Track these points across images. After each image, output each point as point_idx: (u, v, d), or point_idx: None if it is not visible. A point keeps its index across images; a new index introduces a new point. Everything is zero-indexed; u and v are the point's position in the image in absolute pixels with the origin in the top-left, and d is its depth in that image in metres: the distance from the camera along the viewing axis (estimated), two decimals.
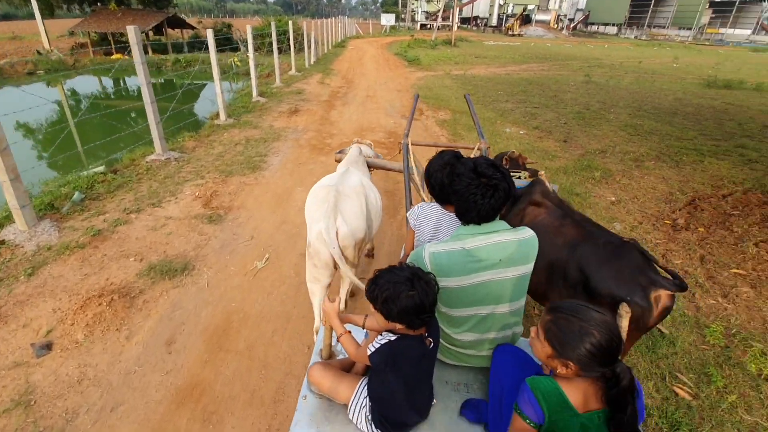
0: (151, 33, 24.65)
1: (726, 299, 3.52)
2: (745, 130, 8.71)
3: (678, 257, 4.11)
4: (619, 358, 1.28)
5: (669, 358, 2.89)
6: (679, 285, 1.92)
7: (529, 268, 1.76)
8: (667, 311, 1.95)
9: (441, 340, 1.81)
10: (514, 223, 2.22)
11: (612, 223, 4.72)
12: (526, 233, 1.75)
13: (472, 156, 2.35)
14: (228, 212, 4.80)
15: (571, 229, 2.32)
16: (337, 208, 2.40)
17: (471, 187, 1.67)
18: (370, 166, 3.46)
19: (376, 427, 1.61)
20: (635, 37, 54.27)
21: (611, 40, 49.02)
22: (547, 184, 2.71)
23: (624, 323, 1.90)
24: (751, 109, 10.89)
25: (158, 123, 6.18)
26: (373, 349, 1.53)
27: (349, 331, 1.71)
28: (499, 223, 1.75)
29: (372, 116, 9.48)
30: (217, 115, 8.79)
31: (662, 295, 1.92)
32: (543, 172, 3.02)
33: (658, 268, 2.01)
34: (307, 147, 7.23)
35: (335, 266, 2.44)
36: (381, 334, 1.55)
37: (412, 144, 3.47)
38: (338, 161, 3.51)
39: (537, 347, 1.39)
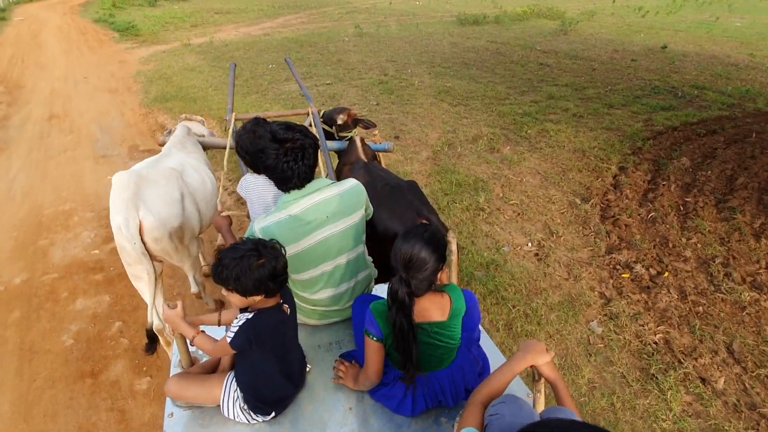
0: None
1: None
2: (546, 75, 8.62)
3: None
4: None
5: None
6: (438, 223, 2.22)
7: (358, 215, 1.82)
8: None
9: (303, 304, 1.88)
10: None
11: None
12: (347, 185, 1.81)
13: (305, 123, 3.04)
14: None
15: (361, 177, 2.41)
16: (138, 197, 2.13)
17: (279, 156, 1.63)
18: (204, 147, 3.08)
19: (255, 414, 1.56)
20: None
21: None
22: (358, 142, 2.90)
23: (453, 247, 1.96)
24: (512, 45, 11.26)
25: None
26: (232, 335, 1.48)
27: (202, 331, 1.59)
28: (319, 181, 1.77)
29: (66, 173, 5.18)
30: None
31: (423, 220, 2.13)
32: (377, 131, 3.37)
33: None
34: None
35: (154, 258, 2.24)
36: (236, 319, 1.50)
37: (237, 119, 3.20)
38: (162, 145, 3.03)
39: None
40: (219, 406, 1.58)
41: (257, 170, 1.96)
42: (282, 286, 1.50)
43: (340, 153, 3.15)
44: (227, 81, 8.63)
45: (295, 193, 1.70)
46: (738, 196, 4.32)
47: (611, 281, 3.32)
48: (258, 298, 1.45)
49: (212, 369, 1.73)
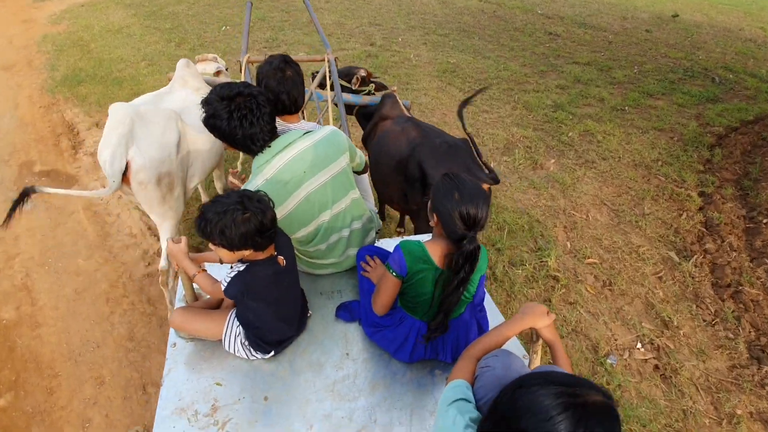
0: None
1: None
2: (560, 49, 7.19)
3: None
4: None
5: None
6: (493, 179, 2.14)
7: (340, 164, 1.70)
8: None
9: (303, 256, 1.82)
10: (369, 140, 2.24)
11: None
12: (321, 133, 1.69)
13: (320, 72, 2.95)
14: None
15: (412, 131, 2.34)
16: (132, 135, 1.97)
17: (231, 121, 1.52)
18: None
19: (255, 351, 1.56)
20: None
21: None
22: (398, 97, 2.81)
23: None
24: (510, 7, 9.68)
25: None
26: (225, 284, 1.46)
27: (204, 270, 1.57)
28: (290, 134, 1.64)
29: None
30: None
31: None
32: (395, 88, 3.10)
33: (481, 163, 2.19)
34: None
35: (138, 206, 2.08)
36: (231, 267, 1.48)
37: (250, 62, 2.95)
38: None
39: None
40: (221, 340, 1.58)
41: (229, 144, 1.66)
42: (271, 240, 1.45)
43: (367, 109, 3.07)
44: (165, 50, 6.54)
45: (265, 153, 1.61)
46: None
47: None
48: (247, 252, 1.42)
49: (217, 305, 1.71)
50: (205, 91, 2.52)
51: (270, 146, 1.61)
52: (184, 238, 1.56)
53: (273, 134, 1.61)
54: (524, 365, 1.27)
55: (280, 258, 1.51)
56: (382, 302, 1.54)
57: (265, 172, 1.60)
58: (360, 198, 1.85)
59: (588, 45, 7.76)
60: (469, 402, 1.09)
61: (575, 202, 3.66)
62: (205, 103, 1.57)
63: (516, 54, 7.05)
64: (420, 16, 8.75)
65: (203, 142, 2.30)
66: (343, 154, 1.71)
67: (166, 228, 2.22)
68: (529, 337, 1.45)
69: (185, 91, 2.45)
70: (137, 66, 5.75)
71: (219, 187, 3.00)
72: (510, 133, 4.63)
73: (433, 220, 1.44)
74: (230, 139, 1.58)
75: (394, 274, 1.46)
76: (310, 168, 1.63)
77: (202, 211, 1.36)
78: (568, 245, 3.20)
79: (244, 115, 1.51)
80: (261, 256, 1.45)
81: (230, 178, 1.90)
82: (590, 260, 3.06)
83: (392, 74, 5.92)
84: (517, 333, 1.33)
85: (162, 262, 2.29)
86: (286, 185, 1.61)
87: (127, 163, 1.96)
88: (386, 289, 1.51)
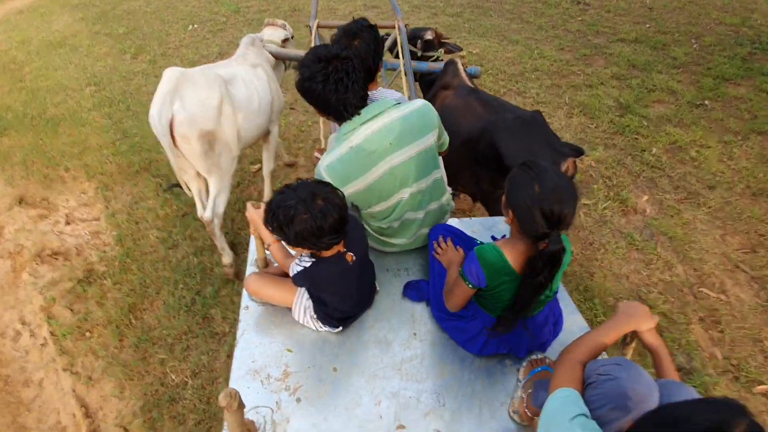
0: None
1: None
2: (596, 22, 5.92)
3: None
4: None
5: None
6: (577, 150, 1.96)
7: (427, 141, 1.62)
8: (572, 178, 1.94)
9: (373, 233, 1.77)
10: None
11: None
12: (412, 106, 1.61)
13: (388, 41, 2.82)
14: None
15: (477, 106, 2.23)
16: (176, 92, 2.11)
17: (327, 84, 1.46)
18: (277, 56, 2.87)
19: (323, 324, 1.55)
20: None
21: None
22: (460, 65, 2.57)
23: None
24: None
25: None
26: (293, 272, 1.46)
27: (279, 240, 1.51)
28: (381, 103, 1.58)
29: None
30: None
31: (569, 164, 1.93)
32: (464, 53, 2.97)
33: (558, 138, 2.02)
34: None
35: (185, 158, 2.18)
36: (301, 255, 1.47)
37: (321, 26, 2.87)
38: None
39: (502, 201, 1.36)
40: (290, 308, 1.58)
41: (321, 110, 1.61)
42: (330, 246, 1.39)
43: (430, 76, 2.87)
44: (118, 66, 5.06)
45: (353, 121, 1.55)
46: None
47: None
48: (304, 250, 1.40)
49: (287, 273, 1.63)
50: (263, 68, 2.61)
51: (360, 113, 1.55)
52: (264, 205, 1.47)
53: (364, 101, 1.56)
54: (651, 380, 1.05)
55: (349, 255, 1.47)
56: (455, 303, 1.47)
57: (352, 139, 1.54)
58: (442, 178, 1.78)
59: (626, 14, 6.49)
60: (590, 418, 0.98)
61: (700, 269, 2.61)
62: (301, 65, 1.51)
63: (548, 34, 5.80)
64: None
65: (246, 112, 2.38)
66: (432, 131, 1.64)
67: (213, 182, 2.32)
68: (622, 340, 1.27)
69: (241, 67, 2.52)
70: (80, 94, 4.45)
71: (265, 170, 2.90)
72: None
73: (509, 217, 1.29)
74: (323, 104, 1.52)
75: (470, 285, 1.36)
76: (397, 140, 1.57)
77: (272, 197, 1.35)
78: (719, 356, 2.17)
79: (340, 78, 1.46)
80: (328, 253, 1.42)
81: (316, 155, 1.96)
82: (762, 388, 2.04)
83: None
84: (619, 336, 1.20)
85: (207, 213, 2.33)
86: (371, 155, 1.55)
87: (172, 118, 2.07)
88: (460, 294, 1.42)
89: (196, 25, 6.02)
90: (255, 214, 1.56)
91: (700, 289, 2.47)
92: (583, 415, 0.98)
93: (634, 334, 1.22)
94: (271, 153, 2.84)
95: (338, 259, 1.43)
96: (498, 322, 1.36)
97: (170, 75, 2.14)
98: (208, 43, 5.55)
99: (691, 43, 5.54)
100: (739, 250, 2.73)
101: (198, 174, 2.27)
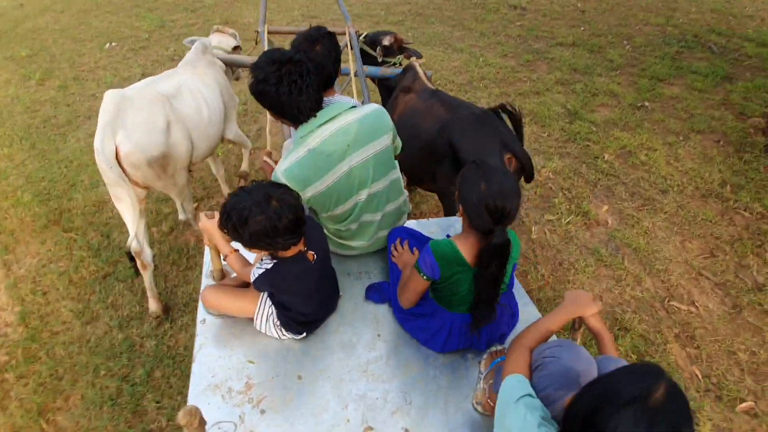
0: None
1: None
2: (536, 27, 5.98)
3: None
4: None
5: None
6: (521, 151, 2.01)
7: (382, 143, 1.65)
8: (515, 174, 2.00)
9: (333, 236, 1.77)
10: (390, 114, 1.88)
11: None
12: (367, 109, 1.64)
13: (342, 44, 2.52)
14: None
15: (439, 107, 2.24)
16: (117, 121, 1.97)
17: (280, 86, 1.46)
18: (227, 63, 2.82)
19: (286, 331, 1.53)
20: None
21: None
22: (419, 69, 2.59)
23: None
24: None
25: None
26: (254, 276, 1.44)
27: (236, 250, 1.56)
28: (335, 107, 1.59)
29: None
30: None
31: (509, 158, 1.97)
32: (423, 60, 2.90)
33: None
34: None
35: (136, 184, 2.11)
36: (261, 259, 1.46)
37: (271, 33, 2.90)
38: None
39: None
40: (251, 318, 1.55)
41: (275, 112, 1.59)
42: (287, 247, 1.39)
43: (390, 81, 2.91)
44: (21, 96, 4.36)
45: (309, 123, 1.56)
46: None
47: None
48: (262, 252, 1.40)
49: (246, 284, 1.63)
50: (212, 76, 2.52)
51: (316, 116, 1.55)
52: (218, 213, 1.42)
53: (319, 104, 1.55)
54: (590, 358, 1.16)
55: (311, 253, 1.48)
56: (408, 298, 1.50)
57: (309, 142, 1.55)
58: (399, 179, 1.79)
59: (561, 18, 6.66)
60: (535, 397, 1.06)
61: (667, 281, 2.58)
62: (255, 67, 1.50)
63: (490, 40, 5.80)
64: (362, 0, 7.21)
65: (195, 125, 2.28)
66: (387, 133, 1.66)
67: (173, 195, 2.32)
68: (570, 326, 1.40)
69: (187, 75, 2.42)
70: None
71: (219, 174, 2.92)
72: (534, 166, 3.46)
73: (460, 212, 1.37)
74: (277, 106, 1.51)
75: (424, 277, 1.40)
76: (355, 142, 1.57)
77: (226, 200, 1.35)
78: (699, 374, 2.12)
79: (294, 81, 1.45)
80: (288, 253, 1.42)
81: (264, 158, 1.94)
82: (743, 406, 2.00)
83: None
84: (565, 322, 1.29)
85: (180, 215, 2.49)
86: (329, 157, 1.55)
87: (116, 148, 1.96)
88: (414, 287, 1.45)
89: (114, 44, 5.45)
90: (209, 223, 1.53)
91: (671, 303, 2.44)
92: (529, 395, 1.05)
93: (581, 320, 1.32)
94: (242, 141, 2.87)
95: (300, 258, 1.44)
96: (475, 319, 1.40)
97: (109, 100, 1.98)
98: (130, 63, 5.03)
99: (623, 45, 5.74)
100: (700, 256, 2.75)
101: (136, 203, 2.11)
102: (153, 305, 2.28)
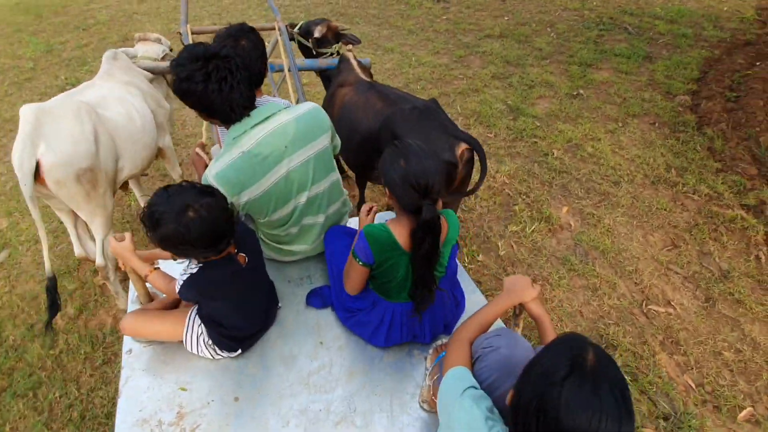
0: None
1: None
2: (461, 20, 5.84)
3: None
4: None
5: None
6: (470, 139, 1.94)
7: (323, 141, 1.58)
8: (469, 164, 1.97)
9: (272, 242, 1.71)
10: (329, 109, 2.01)
11: None
12: (303, 108, 1.56)
13: (270, 42, 2.63)
14: None
15: (377, 101, 2.17)
16: (38, 133, 1.78)
17: (209, 84, 1.34)
18: (154, 72, 2.59)
19: (220, 350, 1.44)
20: None
21: None
22: (353, 60, 2.52)
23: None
24: None
25: None
26: (179, 286, 1.34)
27: (156, 268, 1.46)
28: (269, 107, 1.50)
29: None
30: None
31: (463, 150, 1.92)
32: (350, 47, 2.71)
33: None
34: None
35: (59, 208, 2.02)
36: (187, 266, 1.36)
37: (194, 33, 2.67)
38: None
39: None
40: (182, 341, 1.45)
41: (204, 112, 1.47)
42: (205, 257, 1.31)
43: (327, 73, 2.79)
44: None
45: (243, 123, 1.45)
46: None
47: None
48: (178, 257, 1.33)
49: (175, 303, 1.56)
50: (136, 83, 2.35)
51: (249, 116, 1.46)
52: (128, 235, 1.42)
53: (252, 101, 1.46)
54: (528, 345, 1.20)
55: (241, 255, 1.41)
56: (352, 285, 1.46)
57: (243, 143, 1.44)
58: (339, 181, 1.72)
59: (485, 9, 6.61)
60: (478, 389, 1.05)
61: (640, 282, 2.49)
62: (176, 65, 1.36)
63: (419, 37, 5.59)
64: (276, 1, 6.71)
65: (128, 134, 2.12)
66: (325, 133, 1.59)
67: (97, 225, 2.05)
68: (511, 312, 1.40)
69: (109, 84, 2.23)
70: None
71: (175, 178, 2.75)
72: (488, 172, 3.28)
73: (388, 195, 1.34)
74: (206, 106, 1.40)
75: (360, 262, 1.37)
76: (293, 143, 1.49)
77: (147, 205, 1.24)
78: (692, 384, 2.02)
79: (224, 77, 1.34)
80: (216, 256, 1.33)
81: (196, 150, 1.77)
82: (744, 414, 1.92)
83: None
84: (505, 310, 1.29)
85: (98, 259, 2.09)
86: (265, 159, 1.46)
87: (38, 163, 1.76)
88: (356, 275, 1.42)
89: (66, 81, 4.57)
90: (120, 246, 1.43)
91: (649, 307, 2.34)
92: (472, 387, 1.04)
93: (522, 306, 1.31)
94: (172, 163, 2.67)
95: (229, 260, 1.36)
96: (416, 304, 1.37)
97: (26, 114, 1.80)
98: (13, 99, 4.25)
99: (548, 32, 5.78)
100: (664, 249, 2.70)
101: (43, 228, 1.91)
102: (122, 303, 2.22)
